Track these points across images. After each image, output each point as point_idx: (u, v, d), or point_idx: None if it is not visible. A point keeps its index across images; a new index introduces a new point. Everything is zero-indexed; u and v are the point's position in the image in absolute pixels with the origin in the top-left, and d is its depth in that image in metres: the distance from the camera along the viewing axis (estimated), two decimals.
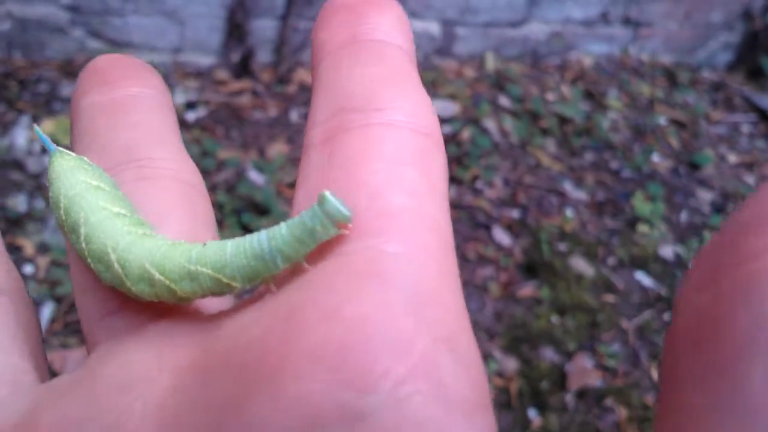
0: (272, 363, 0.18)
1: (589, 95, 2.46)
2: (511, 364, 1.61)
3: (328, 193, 0.20)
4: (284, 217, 1.83)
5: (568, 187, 2.07)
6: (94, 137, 0.28)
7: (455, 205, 1.93)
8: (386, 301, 0.19)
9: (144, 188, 0.26)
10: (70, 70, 2.16)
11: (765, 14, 2.68)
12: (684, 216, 2.03)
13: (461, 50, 2.51)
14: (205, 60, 2.30)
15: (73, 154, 0.26)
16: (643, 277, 1.81)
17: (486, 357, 1.61)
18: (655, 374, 1.60)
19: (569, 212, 1.98)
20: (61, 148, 0.26)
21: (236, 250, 0.21)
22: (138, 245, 0.22)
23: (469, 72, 2.47)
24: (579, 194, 2.05)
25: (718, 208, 2.07)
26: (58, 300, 1.58)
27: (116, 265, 0.22)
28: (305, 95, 2.26)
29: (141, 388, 0.21)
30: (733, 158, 2.32)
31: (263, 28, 2.28)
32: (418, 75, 0.26)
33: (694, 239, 1.93)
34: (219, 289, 0.22)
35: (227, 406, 0.18)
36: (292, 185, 1.96)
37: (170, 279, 0.22)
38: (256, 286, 0.22)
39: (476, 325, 1.67)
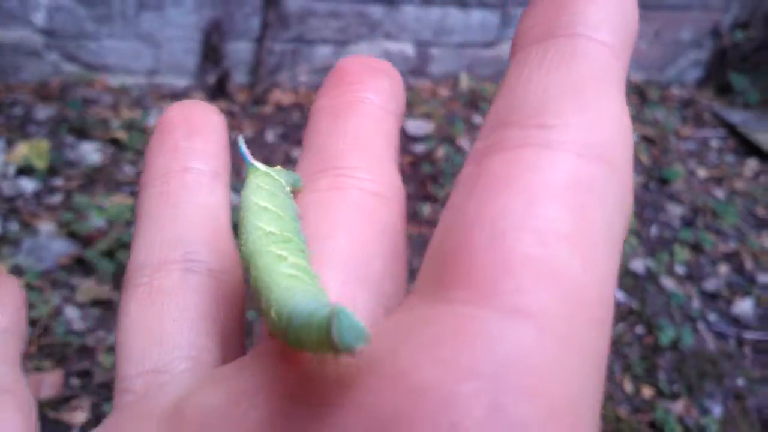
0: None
1: None
2: None
3: (339, 309, 0.17)
4: None
5: None
6: (312, 141, 0.28)
7: (431, 222, 1.95)
8: (465, 373, 0.16)
9: (328, 199, 0.26)
10: (45, 93, 2.16)
11: (733, 31, 2.75)
12: (654, 230, 2.07)
13: (436, 70, 2.55)
14: (180, 82, 2.32)
15: (264, 169, 0.26)
16: (615, 292, 1.83)
17: None
18: (627, 387, 1.62)
19: None
20: (255, 163, 0.26)
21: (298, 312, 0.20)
22: (278, 289, 0.22)
23: (444, 91, 2.51)
24: None
25: (688, 222, 2.11)
26: (32, 323, 1.58)
27: (263, 305, 0.22)
28: (281, 116, 2.28)
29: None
30: (702, 173, 2.36)
31: (239, 50, 2.30)
32: (622, 79, 0.21)
33: (664, 253, 1.96)
34: (298, 346, 0.20)
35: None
36: None
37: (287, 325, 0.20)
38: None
39: None
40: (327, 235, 0.25)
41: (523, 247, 0.17)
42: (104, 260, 1.70)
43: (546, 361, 0.16)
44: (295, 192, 0.27)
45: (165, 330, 0.25)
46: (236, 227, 0.25)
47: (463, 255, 0.18)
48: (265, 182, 0.26)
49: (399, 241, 0.25)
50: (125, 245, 1.71)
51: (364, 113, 0.28)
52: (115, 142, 2.05)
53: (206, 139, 0.30)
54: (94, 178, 1.94)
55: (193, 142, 0.30)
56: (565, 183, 0.18)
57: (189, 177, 0.29)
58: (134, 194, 1.91)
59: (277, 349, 0.21)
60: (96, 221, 1.80)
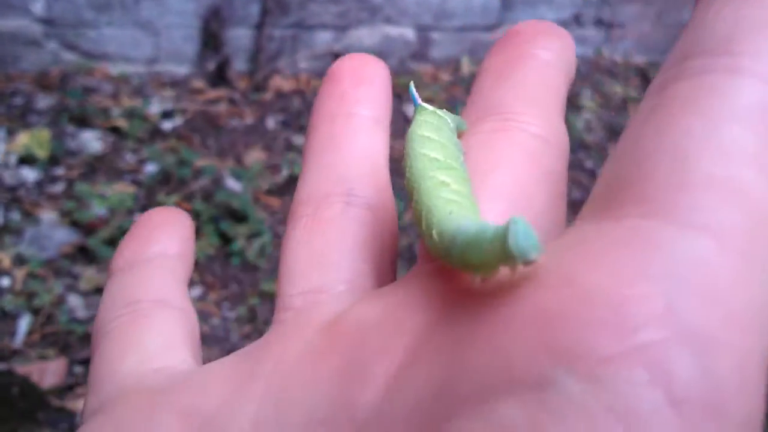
0: (492, 318, 0.18)
1: None
2: None
3: (516, 218, 0.18)
4: (261, 224, 1.86)
5: None
6: (477, 95, 0.29)
7: None
8: (636, 276, 0.16)
9: (492, 138, 0.26)
10: (45, 82, 2.16)
11: None
12: None
13: (437, 54, 2.53)
14: (180, 69, 2.31)
15: (431, 109, 0.28)
16: None
17: None
18: None
19: None
20: (424, 104, 0.28)
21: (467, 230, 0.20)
22: (438, 210, 0.22)
23: (445, 76, 2.49)
24: None
25: None
26: (35, 312, 1.58)
27: (424, 225, 0.23)
28: (281, 103, 2.27)
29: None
30: None
31: (238, 37, 2.29)
32: None
33: None
34: (462, 264, 0.20)
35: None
36: (269, 192, 1.96)
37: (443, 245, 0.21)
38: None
39: None
40: (490, 170, 0.25)
41: (704, 166, 0.17)
42: (106, 248, 1.70)
43: (725, 271, 0.16)
44: (459, 134, 0.28)
45: (325, 254, 0.27)
46: (402, 158, 0.26)
47: (638, 176, 0.18)
48: (432, 118, 0.27)
49: (561, 186, 0.25)
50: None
51: (531, 67, 0.28)
52: (115, 131, 2.05)
53: (371, 88, 0.32)
54: (96, 167, 1.94)
55: (358, 90, 0.32)
56: (752, 106, 0.17)
57: (353, 121, 0.31)
58: (135, 182, 1.91)
59: (435, 269, 0.22)
60: (98, 209, 1.80)
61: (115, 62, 2.25)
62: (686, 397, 0.14)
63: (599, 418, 0.15)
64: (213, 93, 2.25)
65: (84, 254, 1.72)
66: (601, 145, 2.28)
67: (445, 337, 0.19)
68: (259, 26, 2.29)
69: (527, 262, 0.17)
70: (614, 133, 2.35)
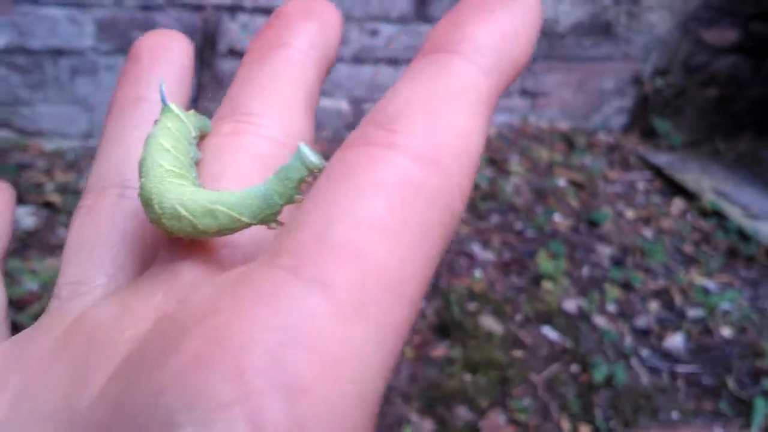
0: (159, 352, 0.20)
1: (492, 162, 2.58)
2: (427, 426, 1.64)
3: (301, 145, 0.24)
4: None
5: (476, 248, 2.15)
6: (231, 88, 0.31)
7: None
8: (258, 326, 0.18)
9: (224, 143, 0.29)
10: None
11: (654, 79, 2.89)
12: (585, 271, 2.13)
13: None
14: None
15: (175, 111, 0.29)
16: (549, 332, 1.88)
17: (402, 421, 1.63)
18: (565, 425, 1.65)
19: (478, 273, 2.05)
20: (170, 104, 0.30)
21: (246, 192, 0.26)
22: (173, 191, 0.26)
23: None
24: (486, 255, 2.13)
25: (618, 262, 2.18)
26: None
27: (156, 207, 0.26)
28: None
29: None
30: (630, 214, 2.45)
31: None
32: (486, 98, 0.24)
33: (595, 292, 2.02)
34: (233, 224, 0.26)
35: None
36: None
37: (193, 215, 0.26)
38: (264, 223, 0.26)
39: (392, 390, 1.70)
40: (217, 177, 0.28)
41: (338, 230, 0.20)
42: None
43: (328, 325, 0.18)
44: (203, 135, 0.31)
45: (91, 246, 0.29)
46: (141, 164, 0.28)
47: (296, 231, 0.20)
48: (174, 123, 0.29)
49: None
50: None
51: (280, 60, 0.31)
52: (49, 206, 2.04)
53: (166, 68, 0.33)
54: (28, 243, 1.92)
55: (152, 71, 0.33)
56: (393, 180, 0.21)
57: (141, 107, 0.32)
58: None
59: (164, 273, 0.25)
60: (29, 285, 1.78)
61: (49, 138, 2.26)
62: None
63: None
64: None
65: (15, 330, 1.68)
66: (530, 207, 2.37)
67: (146, 354, 0.21)
68: (195, 100, 2.33)
69: (319, 169, 0.24)
70: (541, 195, 2.44)
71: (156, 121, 0.29)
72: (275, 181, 0.25)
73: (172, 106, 0.29)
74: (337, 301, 0.19)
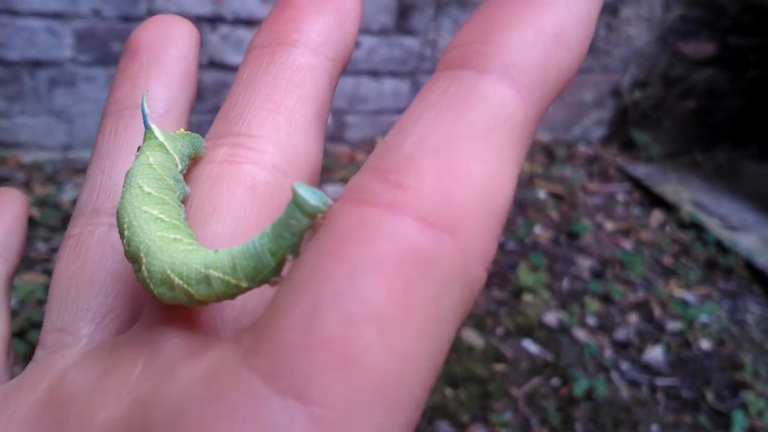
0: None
1: None
2: None
3: (296, 185, 0.20)
4: None
5: None
6: (232, 90, 0.27)
7: None
8: None
9: (218, 175, 0.25)
10: None
11: (632, 91, 2.92)
12: (565, 283, 2.14)
13: (353, 136, 2.61)
14: None
15: (160, 140, 0.26)
16: (529, 345, 1.88)
17: None
18: None
19: None
20: (153, 127, 0.26)
21: (239, 253, 0.22)
22: (163, 251, 0.23)
23: (361, 156, 2.57)
24: None
25: (597, 274, 2.20)
26: None
27: (144, 269, 0.23)
28: None
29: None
30: (610, 225, 2.47)
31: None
32: (522, 127, 0.19)
33: (575, 305, 2.03)
34: (229, 290, 0.22)
35: None
36: None
37: (188, 283, 0.22)
38: (265, 283, 0.22)
39: None
40: (208, 217, 0.24)
41: (327, 328, 0.16)
42: (15, 341, 1.65)
43: None
44: (195, 159, 0.27)
45: (80, 287, 0.26)
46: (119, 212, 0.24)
47: (278, 323, 0.17)
48: (157, 160, 0.25)
49: None
50: (36, 325, 1.67)
51: (287, 65, 0.26)
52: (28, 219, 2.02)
53: (166, 66, 0.29)
54: None
55: (151, 70, 0.29)
56: (395, 256, 0.17)
57: (135, 116, 0.28)
58: (47, 272, 1.88)
59: (146, 339, 0.23)
60: None
61: (28, 150, 2.23)
62: None
63: None
64: None
65: None
66: (511, 219, 2.38)
67: (142, 422, 0.19)
68: None
69: (324, 212, 0.20)
70: (522, 207, 2.45)
71: (138, 149, 0.26)
72: (270, 238, 0.21)
73: (156, 131, 0.26)
74: (323, 423, 0.16)
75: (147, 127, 0.26)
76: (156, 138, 0.26)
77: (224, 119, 0.27)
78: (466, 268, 0.18)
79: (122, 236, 0.24)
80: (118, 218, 0.24)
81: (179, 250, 0.23)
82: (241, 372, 0.17)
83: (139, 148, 0.26)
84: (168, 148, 0.26)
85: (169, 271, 0.22)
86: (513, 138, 0.19)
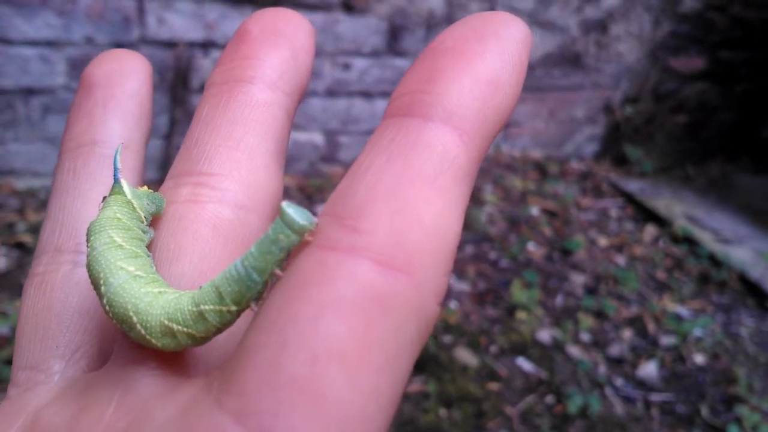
0: None
1: None
2: None
3: (284, 205, 0.21)
4: None
5: (451, 279, 2.16)
6: (192, 128, 0.27)
7: None
8: None
9: (182, 215, 0.26)
10: None
11: (624, 107, 2.93)
12: (559, 300, 2.14)
13: (345, 156, 2.62)
14: None
15: (127, 193, 0.26)
16: (523, 363, 1.88)
17: None
18: None
19: (453, 305, 2.06)
20: (122, 182, 0.26)
21: (221, 281, 0.22)
22: (153, 305, 0.23)
23: None
24: (461, 286, 2.14)
25: (591, 290, 2.20)
26: None
27: (139, 327, 0.23)
28: None
29: None
30: (603, 241, 2.47)
31: (148, 148, 2.32)
32: (466, 168, 0.20)
33: (569, 321, 2.03)
34: (224, 318, 0.23)
35: None
36: None
37: (186, 326, 0.23)
38: (258, 300, 0.22)
39: None
40: (173, 258, 0.25)
41: (293, 368, 0.17)
42: (7, 368, 1.66)
43: None
44: (156, 218, 0.27)
45: (48, 325, 0.26)
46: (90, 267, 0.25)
47: (246, 364, 0.18)
48: (124, 213, 0.26)
49: None
50: None
51: (244, 102, 0.27)
52: (20, 246, 2.03)
53: (121, 103, 0.29)
54: None
55: (107, 108, 0.29)
56: (355, 297, 0.18)
57: (96, 152, 0.29)
58: None
59: (120, 377, 0.23)
60: (0, 328, 1.76)
61: (21, 177, 2.25)
62: None
63: None
64: None
65: None
66: (504, 236, 2.39)
67: None
68: (168, 136, 2.34)
69: (310, 230, 0.20)
70: (515, 224, 2.46)
71: (104, 200, 0.26)
72: (256, 256, 0.21)
73: (125, 186, 0.26)
74: None
75: (117, 180, 0.26)
76: (123, 194, 0.26)
77: (186, 158, 0.28)
78: (421, 303, 0.19)
79: (97, 290, 0.24)
80: (90, 271, 0.24)
81: (168, 300, 0.23)
82: (213, 412, 0.18)
83: (104, 198, 0.27)
84: (135, 205, 0.26)
85: (166, 322, 0.23)
86: (458, 179, 0.20)
